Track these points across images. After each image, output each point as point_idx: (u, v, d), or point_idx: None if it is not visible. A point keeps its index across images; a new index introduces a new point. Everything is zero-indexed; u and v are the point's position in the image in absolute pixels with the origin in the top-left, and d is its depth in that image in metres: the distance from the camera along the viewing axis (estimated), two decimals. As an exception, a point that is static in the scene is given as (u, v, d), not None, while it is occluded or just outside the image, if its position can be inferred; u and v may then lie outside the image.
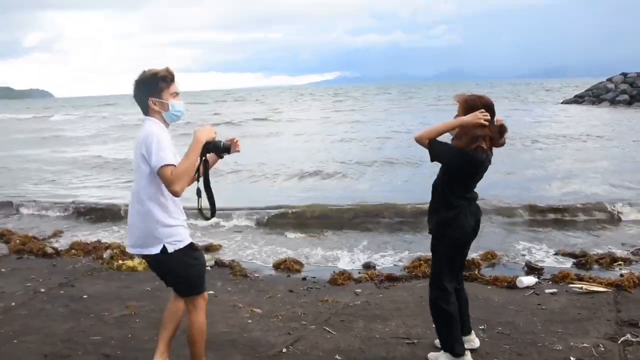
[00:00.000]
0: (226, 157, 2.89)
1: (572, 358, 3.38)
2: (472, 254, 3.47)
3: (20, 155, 17.81)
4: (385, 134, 20.16)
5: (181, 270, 2.79)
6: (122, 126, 29.76)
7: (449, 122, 3.07)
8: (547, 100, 41.27)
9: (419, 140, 3.11)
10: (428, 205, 3.33)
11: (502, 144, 3.15)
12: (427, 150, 3.10)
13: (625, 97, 31.06)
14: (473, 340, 3.49)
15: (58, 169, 14.79)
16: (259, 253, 6.61)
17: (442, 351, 3.29)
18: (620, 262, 5.71)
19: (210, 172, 2.84)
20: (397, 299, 4.68)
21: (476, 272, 5.33)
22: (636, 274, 4.96)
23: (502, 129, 3.11)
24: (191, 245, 2.81)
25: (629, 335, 3.68)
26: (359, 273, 5.58)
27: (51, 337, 3.86)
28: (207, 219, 2.89)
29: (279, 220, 8.07)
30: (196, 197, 2.80)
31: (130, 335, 3.89)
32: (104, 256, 6.12)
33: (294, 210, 8.40)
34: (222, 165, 7.02)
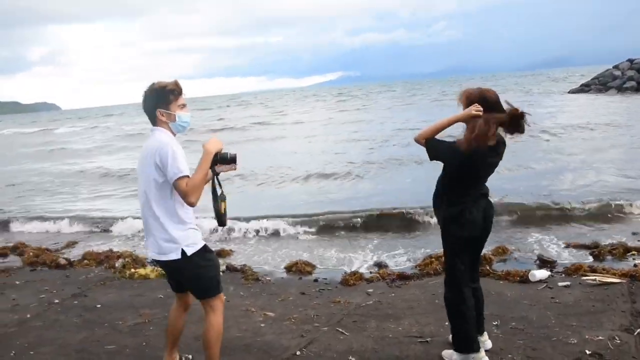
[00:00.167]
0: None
1: (587, 351, 3.35)
2: (483, 250, 3.46)
3: (27, 170, 17.98)
4: (391, 132, 20.09)
5: (198, 273, 2.89)
6: (126, 136, 30.05)
7: (445, 120, 3.06)
8: (553, 90, 40.90)
9: (417, 141, 3.13)
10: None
11: (518, 131, 3.02)
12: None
13: (633, 83, 30.72)
14: (485, 342, 3.45)
15: (64, 181, 14.91)
16: (272, 258, 6.61)
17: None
18: (633, 252, 5.65)
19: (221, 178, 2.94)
20: (409, 297, 4.66)
21: (488, 268, 5.30)
22: (650, 264, 4.91)
23: (513, 118, 2.99)
24: (205, 247, 2.92)
25: (645, 326, 3.64)
26: (371, 273, 5.58)
27: (65, 347, 3.89)
28: (222, 225, 2.98)
29: (290, 228, 7.96)
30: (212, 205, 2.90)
31: (144, 344, 3.91)
32: (116, 265, 6.16)
33: (304, 217, 8.26)
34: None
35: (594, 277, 4.73)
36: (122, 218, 8.83)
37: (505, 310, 4.14)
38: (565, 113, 22.57)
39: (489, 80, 69.76)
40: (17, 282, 5.76)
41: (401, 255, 6.29)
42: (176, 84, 2.87)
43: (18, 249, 7.36)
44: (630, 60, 33.67)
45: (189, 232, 2.85)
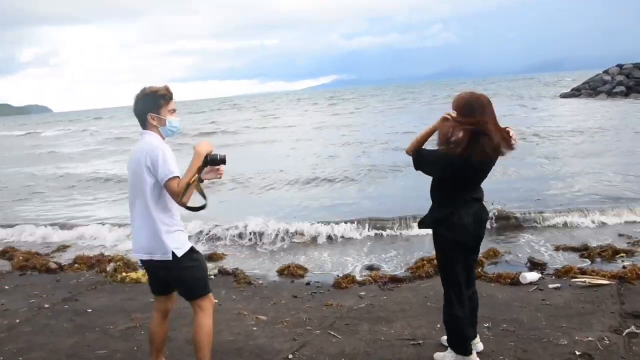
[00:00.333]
0: (226, 167, 3.03)
1: (577, 352, 3.38)
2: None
3: (17, 173, 17.80)
4: (384, 136, 20.14)
5: (186, 274, 2.93)
6: (114, 140, 29.96)
7: (426, 129, 3.14)
8: (544, 95, 41.25)
9: (408, 154, 3.23)
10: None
11: (506, 148, 3.08)
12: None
13: (622, 88, 31.14)
14: (477, 344, 3.45)
15: (51, 185, 14.70)
16: (264, 261, 6.59)
17: (448, 350, 3.29)
18: (622, 254, 5.71)
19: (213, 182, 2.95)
20: (401, 300, 4.68)
21: (479, 270, 5.33)
22: (639, 265, 4.96)
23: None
24: (192, 248, 2.97)
25: (633, 327, 3.68)
26: (363, 276, 5.59)
27: (56, 352, 3.86)
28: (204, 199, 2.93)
29: (283, 232, 7.82)
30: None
31: (135, 348, 3.89)
32: (108, 269, 6.12)
33: (296, 221, 8.16)
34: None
35: (583, 279, 4.78)
36: (111, 223, 8.77)
37: (496, 312, 4.17)
38: (556, 117, 22.78)
39: (480, 85, 70.18)
40: (6, 287, 5.69)
41: (393, 258, 6.31)
42: (167, 89, 2.92)
43: (7, 253, 7.26)
44: (620, 66, 34.12)
45: (177, 233, 2.91)
